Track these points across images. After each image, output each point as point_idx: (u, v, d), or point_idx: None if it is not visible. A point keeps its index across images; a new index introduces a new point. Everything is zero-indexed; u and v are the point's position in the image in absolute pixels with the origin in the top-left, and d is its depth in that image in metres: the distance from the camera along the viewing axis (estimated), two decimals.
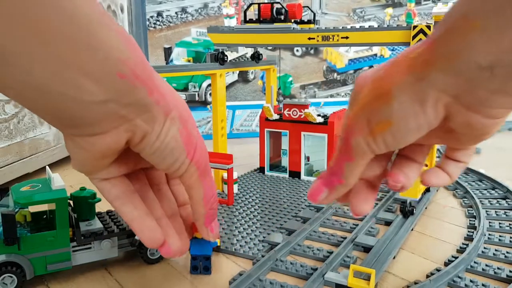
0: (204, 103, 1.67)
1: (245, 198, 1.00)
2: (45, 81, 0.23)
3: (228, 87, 1.73)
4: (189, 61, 1.69)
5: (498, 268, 0.67)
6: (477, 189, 1.05)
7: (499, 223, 0.84)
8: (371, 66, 1.88)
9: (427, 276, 0.66)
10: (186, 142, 0.29)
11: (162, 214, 0.34)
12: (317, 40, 0.90)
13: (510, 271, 0.66)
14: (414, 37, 0.79)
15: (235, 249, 0.75)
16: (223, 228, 0.83)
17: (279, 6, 0.97)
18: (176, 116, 0.29)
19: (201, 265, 0.67)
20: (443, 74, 0.23)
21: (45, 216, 0.70)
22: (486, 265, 0.68)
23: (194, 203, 0.32)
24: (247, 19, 1.00)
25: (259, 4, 0.99)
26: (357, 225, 0.83)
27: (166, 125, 0.28)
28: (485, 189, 1.05)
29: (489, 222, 0.85)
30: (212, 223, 0.34)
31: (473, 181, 1.11)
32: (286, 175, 1.17)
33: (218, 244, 0.74)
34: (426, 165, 0.98)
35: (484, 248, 0.74)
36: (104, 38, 0.24)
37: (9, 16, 0.21)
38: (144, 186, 0.34)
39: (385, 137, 0.26)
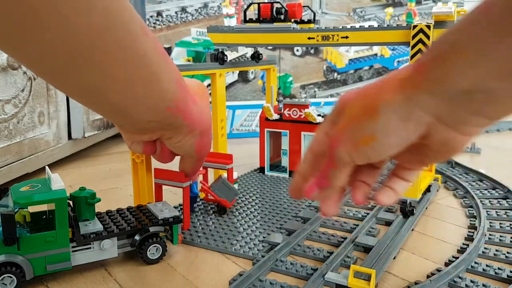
0: None
1: (245, 198, 1.00)
2: (127, 109, 0.35)
3: (228, 87, 1.73)
4: (189, 60, 1.69)
5: (499, 269, 0.67)
6: (478, 189, 1.04)
7: (500, 223, 0.84)
8: (371, 66, 1.88)
9: (428, 277, 0.66)
10: (198, 148, 0.43)
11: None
12: (317, 40, 0.90)
13: (511, 271, 0.66)
14: (414, 36, 0.79)
15: (235, 249, 0.74)
16: (222, 229, 0.83)
17: (279, 5, 0.97)
18: (197, 133, 0.41)
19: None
20: (430, 96, 0.26)
21: (44, 216, 0.70)
22: (487, 265, 0.68)
23: (184, 168, 0.52)
24: (247, 19, 1.00)
25: (259, 3, 0.98)
26: (357, 225, 0.83)
27: (187, 137, 0.41)
28: (486, 189, 1.05)
29: (490, 222, 0.85)
30: (195, 175, 0.54)
31: (474, 181, 1.11)
32: (286, 175, 1.17)
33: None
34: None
35: (485, 248, 0.74)
36: (166, 84, 0.34)
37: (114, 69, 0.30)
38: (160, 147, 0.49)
39: (367, 150, 0.29)
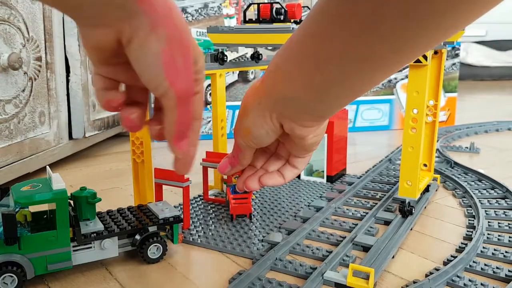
0: (204, 103, 1.67)
1: None
2: None
3: (228, 87, 1.73)
4: None
5: (497, 268, 0.67)
6: (477, 189, 1.05)
7: (498, 223, 0.84)
8: None
9: (426, 276, 0.66)
10: (167, 65, 0.30)
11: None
12: None
13: (509, 271, 0.66)
14: None
15: (234, 248, 0.75)
16: (222, 228, 0.83)
17: (278, 6, 0.97)
18: (163, 34, 0.30)
19: None
20: (268, 99, 0.36)
21: (45, 216, 0.70)
22: (485, 265, 0.68)
23: (166, 122, 0.34)
24: (247, 19, 1.01)
25: (258, 4, 0.99)
26: (356, 224, 0.83)
27: (150, 38, 0.29)
28: (485, 189, 1.05)
29: (488, 222, 0.85)
30: (182, 142, 0.36)
31: (473, 181, 1.11)
32: None
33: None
34: (425, 165, 0.98)
35: (483, 247, 0.74)
36: None
37: None
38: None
39: (249, 138, 0.38)
